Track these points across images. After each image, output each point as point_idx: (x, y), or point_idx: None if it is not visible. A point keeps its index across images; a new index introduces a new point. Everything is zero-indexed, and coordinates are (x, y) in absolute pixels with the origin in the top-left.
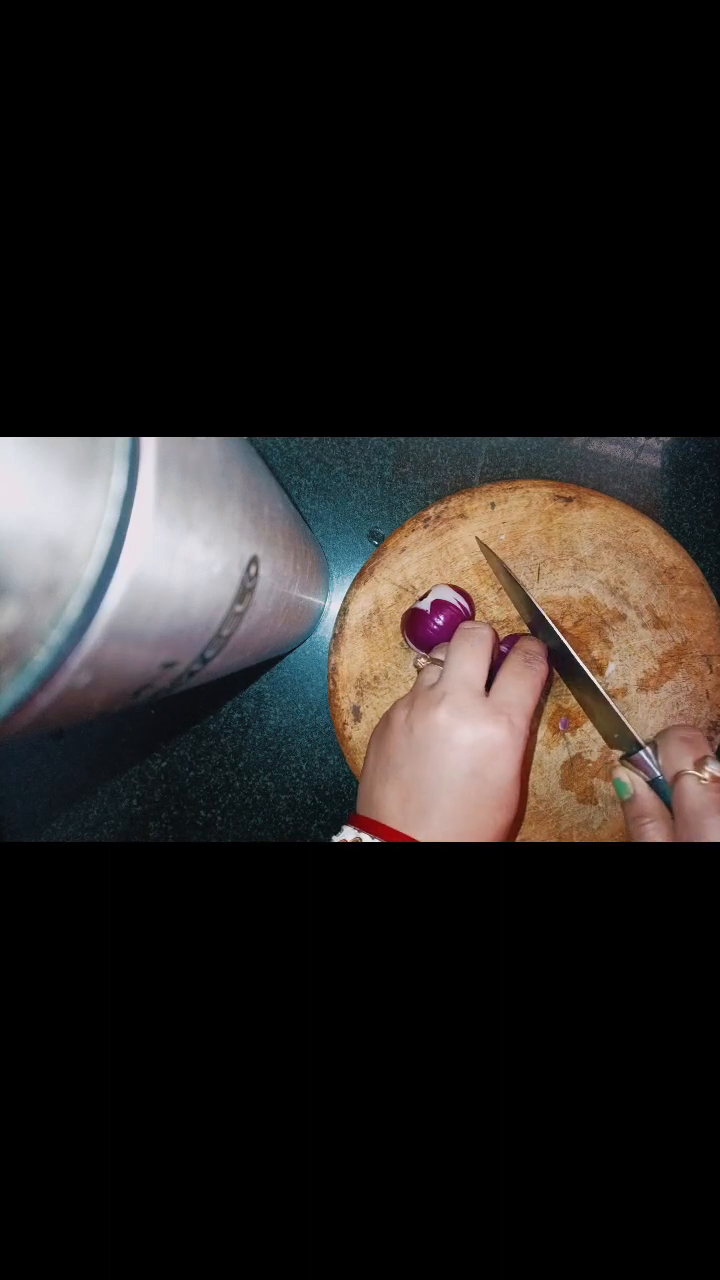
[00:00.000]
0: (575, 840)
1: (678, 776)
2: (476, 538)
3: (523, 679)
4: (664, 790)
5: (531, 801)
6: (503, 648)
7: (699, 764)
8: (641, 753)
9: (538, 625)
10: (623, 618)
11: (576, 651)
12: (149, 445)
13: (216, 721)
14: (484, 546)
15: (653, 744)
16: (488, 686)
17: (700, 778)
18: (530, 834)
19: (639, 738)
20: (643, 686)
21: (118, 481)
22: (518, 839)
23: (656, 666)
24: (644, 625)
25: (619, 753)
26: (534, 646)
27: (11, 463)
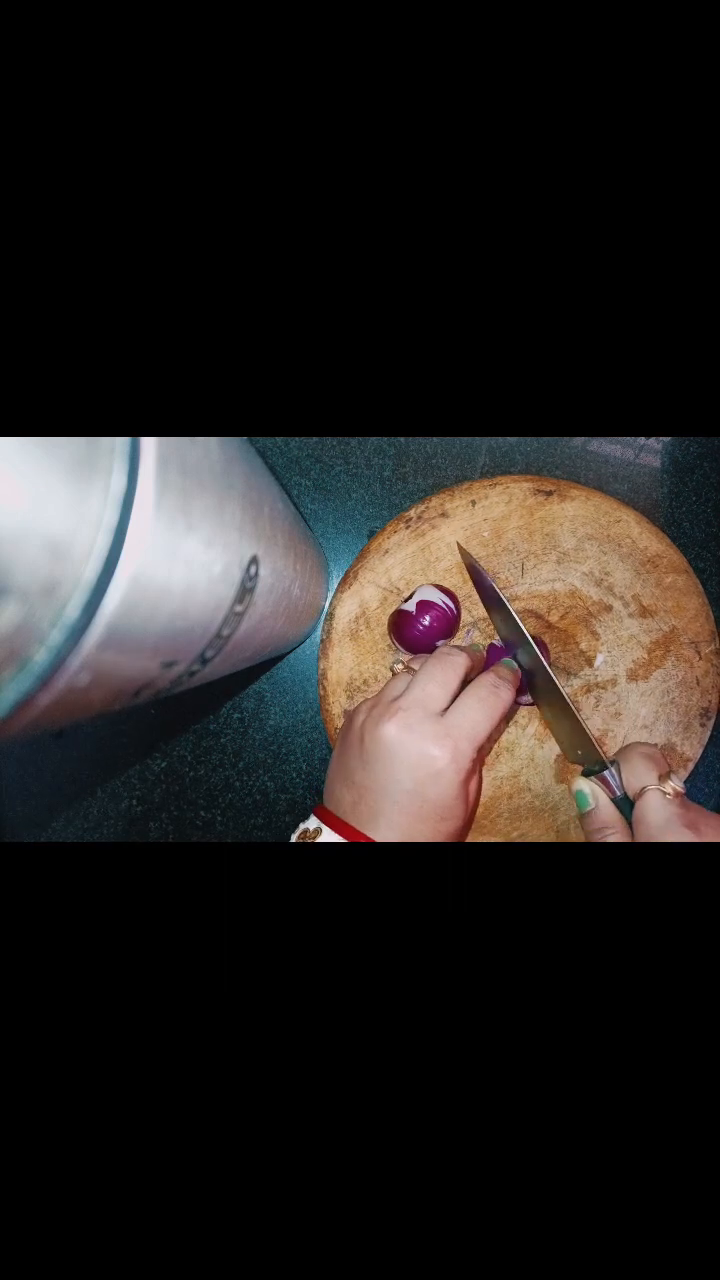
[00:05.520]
0: (574, 833)
1: (642, 792)
2: (458, 545)
3: (484, 705)
4: (624, 809)
5: (527, 797)
6: (496, 642)
7: (662, 779)
8: (606, 771)
9: (516, 642)
10: (609, 609)
11: (564, 646)
12: (149, 445)
13: (216, 721)
14: (464, 553)
15: (615, 762)
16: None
17: (664, 792)
18: (529, 829)
19: (605, 757)
20: (632, 676)
21: (118, 482)
22: (516, 835)
23: (645, 655)
24: (631, 615)
25: (579, 765)
26: (507, 674)
27: (11, 463)
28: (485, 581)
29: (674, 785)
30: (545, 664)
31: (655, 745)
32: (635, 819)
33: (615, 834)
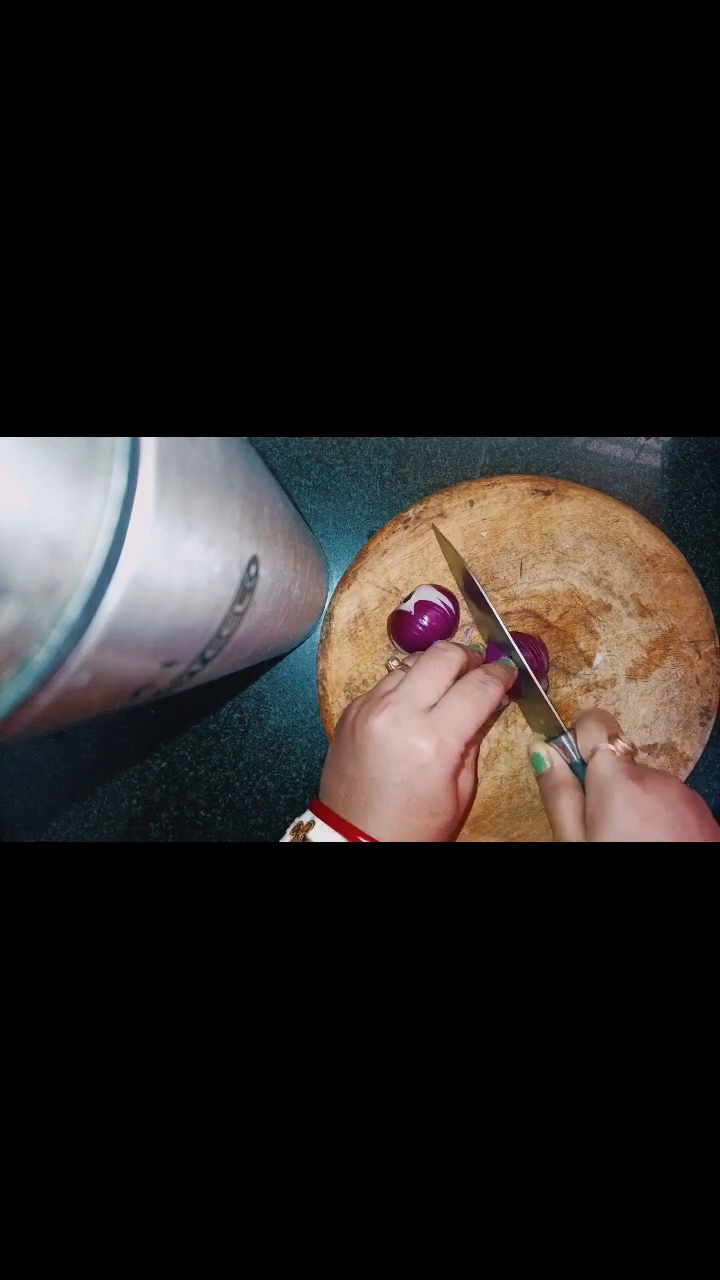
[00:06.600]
0: None
1: (593, 751)
2: (433, 526)
3: (470, 700)
4: (579, 772)
5: (527, 797)
6: (496, 640)
7: (612, 739)
8: (563, 738)
9: (497, 637)
10: (608, 608)
11: (563, 645)
12: (149, 445)
13: (216, 721)
14: (440, 537)
15: (573, 730)
16: None
17: (613, 750)
18: (528, 830)
19: (562, 724)
20: (632, 675)
21: (118, 482)
22: (516, 836)
23: (644, 655)
24: (630, 614)
25: (541, 736)
26: (498, 671)
27: (11, 463)
28: (467, 575)
29: (623, 745)
30: (507, 634)
31: (608, 712)
32: (587, 776)
33: (566, 792)
